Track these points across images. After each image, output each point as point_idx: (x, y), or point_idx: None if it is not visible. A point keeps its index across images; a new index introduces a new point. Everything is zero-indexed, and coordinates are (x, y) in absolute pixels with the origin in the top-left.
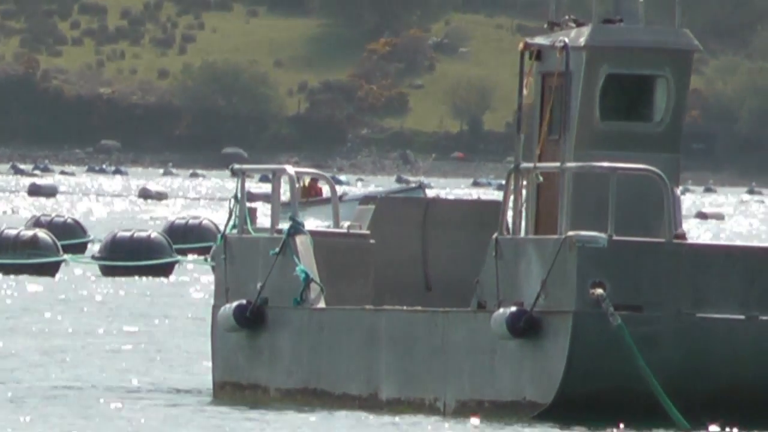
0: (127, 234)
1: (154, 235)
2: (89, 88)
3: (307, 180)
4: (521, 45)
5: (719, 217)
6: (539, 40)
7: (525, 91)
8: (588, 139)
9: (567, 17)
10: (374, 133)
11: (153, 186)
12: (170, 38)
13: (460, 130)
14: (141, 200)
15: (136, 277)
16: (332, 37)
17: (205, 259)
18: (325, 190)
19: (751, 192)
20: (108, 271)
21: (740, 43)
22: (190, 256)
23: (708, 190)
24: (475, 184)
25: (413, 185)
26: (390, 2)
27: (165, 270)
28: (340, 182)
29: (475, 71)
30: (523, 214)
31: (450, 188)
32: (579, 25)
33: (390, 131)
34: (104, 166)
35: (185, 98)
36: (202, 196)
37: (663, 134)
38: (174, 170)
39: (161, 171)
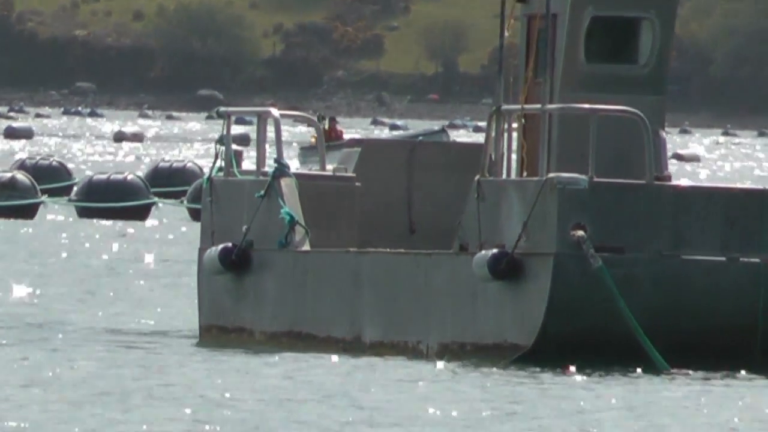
0: (104, 176)
1: (130, 177)
2: (64, 29)
3: (327, 123)
4: None
5: (695, 158)
6: None
7: (507, 33)
8: (573, 81)
9: None
10: (349, 75)
11: (128, 128)
12: None
13: (435, 71)
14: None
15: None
16: None
17: (181, 201)
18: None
19: (725, 134)
20: (84, 213)
21: None
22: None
23: (683, 131)
24: (451, 125)
25: (436, 129)
26: None
27: (141, 212)
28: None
29: (450, 13)
30: (510, 155)
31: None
32: None
33: (365, 73)
34: (80, 108)
35: (160, 40)
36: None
37: (648, 76)
38: (149, 112)
39: (137, 113)
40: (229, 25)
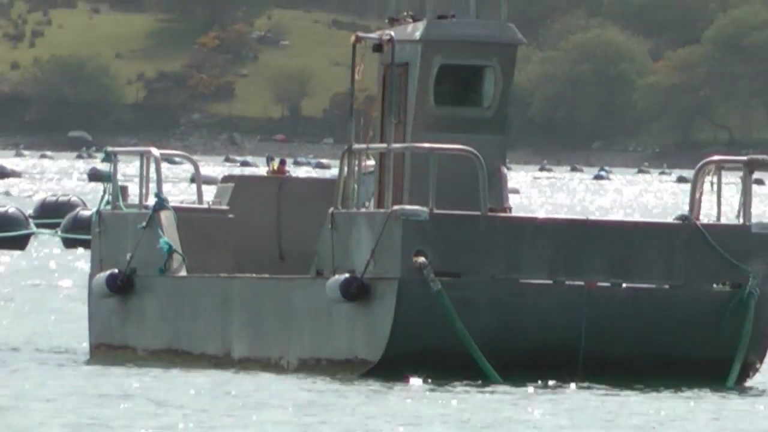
0: None
1: (11, 210)
2: None
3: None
4: (353, 38)
5: (515, 191)
6: (370, 34)
7: (357, 76)
8: (424, 122)
9: (405, 13)
10: (205, 117)
11: (8, 165)
12: (21, 33)
13: (281, 114)
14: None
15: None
16: (167, 32)
17: (55, 232)
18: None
19: (542, 169)
20: None
21: (533, 35)
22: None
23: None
24: (296, 163)
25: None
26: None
27: (21, 242)
28: (248, 164)
29: (295, 62)
30: (356, 189)
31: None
32: (415, 20)
33: (219, 116)
34: None
35: (35, 87)
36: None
37: (491, 118)
38: (25, 152)
39: (13, 152)
40: (97, 73)
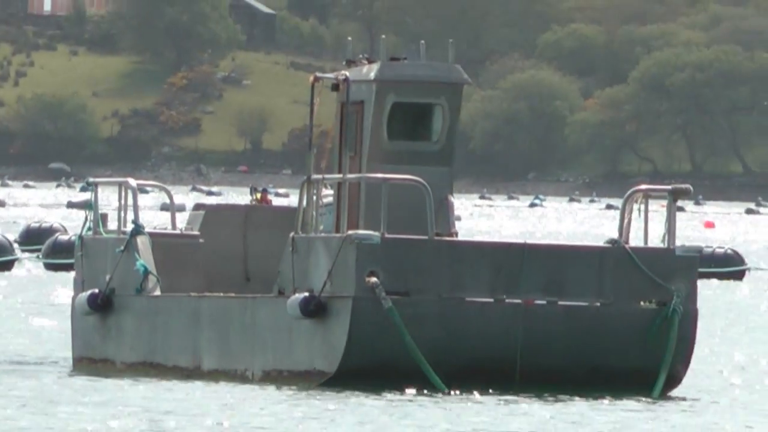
0: None
1: None
2: None
3: (258, 194)
4: (312, 78)
5: (457, 218)
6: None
7: (316, 104)
8: (378, 155)
9: (361, 55)
10: (174, 150)
11: None
12: (6, 74)
13: (244, 148)
14: None
15: None
16: (139, 72)
17: (37, 257)
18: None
19: (482, 197)
20: None
21: (473, 75)
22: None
23: None
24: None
25: None
26: (186, 42)
27: (7, 266)
28: (213, 194)
29: (256, 100)
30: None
31: (236, 195)
32: (370, 62)
33: (187, 149)
34: None
35: (19, 123)
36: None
37: (439, 152)
38: (9, 182)
39: None
40: (76, 110)
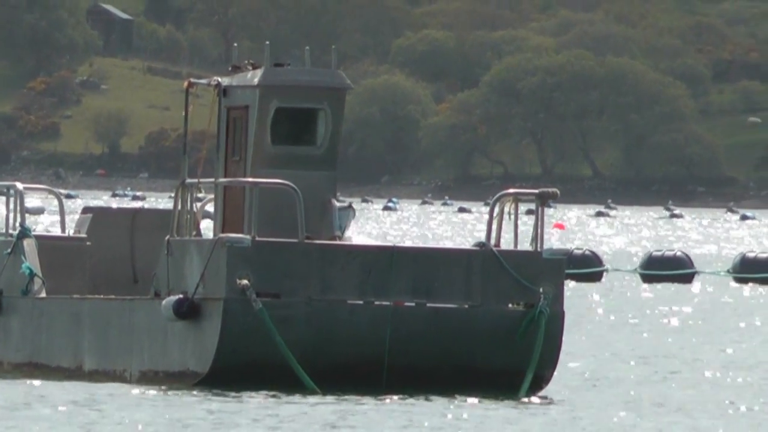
0: None
1: None
2: None
3: None
4: (186, 83)
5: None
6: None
7: (190, 107)
8: (262, 160)
9: (246, 61)
10: (33, 154)
11: None
12: None
13: (102, 151)
14: None
15: None
16: None
17: None
18: None
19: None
20: None
21: None
22: None
23: None
24: (114, 195)
25: (345, 204)
26: (44, 48)
27: None
28: (71, 197)
29: (114, 104)
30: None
31: (93, 198)
32: (255, 67)
33: (45, 153)
34: None
35: None
36: None
37: (323, 156)
38: None
39: None
40: None
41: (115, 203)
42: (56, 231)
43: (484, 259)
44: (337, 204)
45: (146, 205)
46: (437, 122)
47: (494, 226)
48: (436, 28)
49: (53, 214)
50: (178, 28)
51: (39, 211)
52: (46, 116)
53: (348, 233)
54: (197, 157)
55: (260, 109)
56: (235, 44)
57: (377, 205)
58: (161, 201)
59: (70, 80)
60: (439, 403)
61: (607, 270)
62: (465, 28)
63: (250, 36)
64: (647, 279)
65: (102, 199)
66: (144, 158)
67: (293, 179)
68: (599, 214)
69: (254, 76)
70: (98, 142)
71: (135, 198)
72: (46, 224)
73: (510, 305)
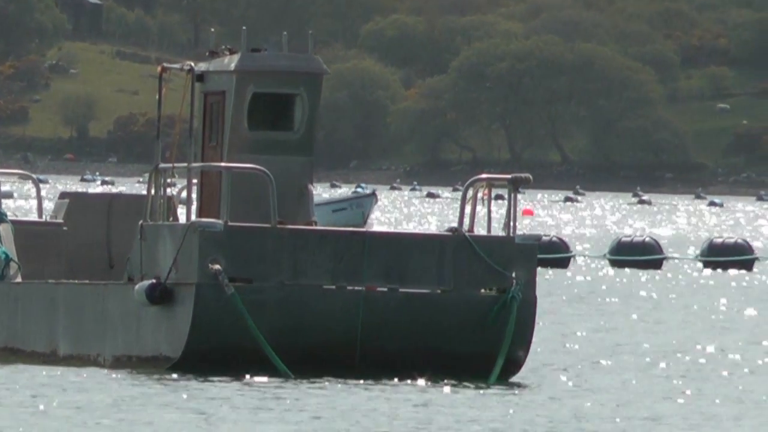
0: None
1: None
2: None
3: None
4: (159, 68)
5: None
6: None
7: (162, 92)
8: (239, 145)
9: (223, 47)
10: (1, 138)
11: None
12: None
13: (70, 136)
14: None
15: None
16: None
17: None
18: None
19: (333, 186)
20: None
21: None
22: None
23: None
24: (83, 180)
25: (368, 192)
26: (12, 32)
27: None
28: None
29: (83, 88)
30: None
31: (66, 183)
32: (232, 53)
33: (14, 137)
34: None
35: None
36: None
37: (299, 141)
38: None
39: None
40: None
41: (82, 188)
42: (27, 216)
43: (456, 244)
44: (312, 188)
45: (114, 190)
46: (406, 107)
47: (467, 211)
48: (405, 13)
49: (24, 198)
50: (147, 12)
51: (8, 195)
52: (14, 100)
53: (370, 220)
54: (169, 142)
55: (237, 94)
56: (212, 29)
57: (347, 190)
58: (129, 185)
59: (39, 64)
60: (410, 387)
61: (574, 255)
62: (434, 13)
63: (220, 21)
64: (616, 264)
65: (75, 185)
66: (113, 143)
67: (270, 164)
68: (567, 199)
69: (231, 62)
70: (67, 126)
71: (104, 183)
72: (12, 208)
73: (482, 290)
